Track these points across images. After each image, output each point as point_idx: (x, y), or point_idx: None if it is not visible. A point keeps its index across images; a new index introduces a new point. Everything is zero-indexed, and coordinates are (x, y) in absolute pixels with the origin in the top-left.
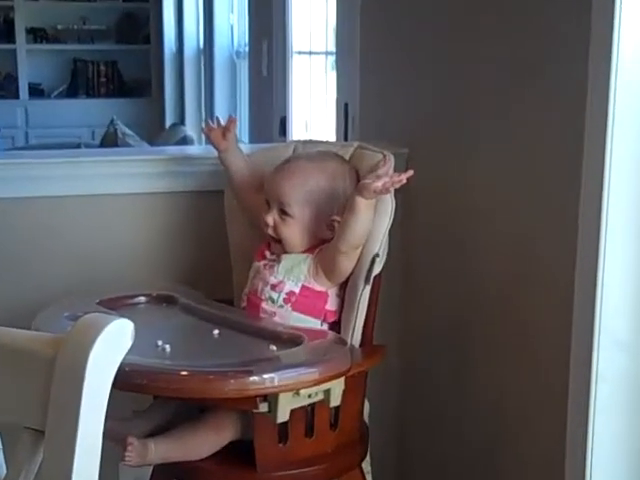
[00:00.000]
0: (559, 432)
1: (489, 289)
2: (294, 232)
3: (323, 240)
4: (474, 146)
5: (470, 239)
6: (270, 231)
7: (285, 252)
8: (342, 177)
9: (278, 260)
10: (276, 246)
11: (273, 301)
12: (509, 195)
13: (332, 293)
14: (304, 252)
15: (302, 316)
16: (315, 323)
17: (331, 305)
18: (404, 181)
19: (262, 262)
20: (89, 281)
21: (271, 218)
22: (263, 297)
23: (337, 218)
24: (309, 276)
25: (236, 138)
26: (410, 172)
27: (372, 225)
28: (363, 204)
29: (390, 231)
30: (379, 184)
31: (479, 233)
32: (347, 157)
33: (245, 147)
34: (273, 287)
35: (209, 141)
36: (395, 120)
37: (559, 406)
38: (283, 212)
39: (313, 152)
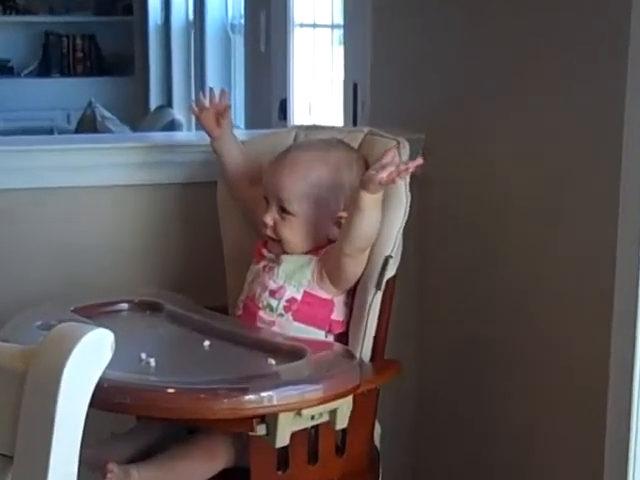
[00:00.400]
0: (597, 450)
1: (514, 294)
2: (296, 232)
3: (330, 240)
4: (499, 132)
5: (495, 237)
6: (269, 232)
7: (285, 252)
8: (348, 167)
9: (278, 262)
10: (274, 245)
11: (272, 309)
12: (538, 187)
13: (339, 301)
14: (308, 253)
15: (304, 326)
16: (319, 334)
17: (337, 314)
18: (411, 170)
19: (261, 264)
20: (63, 286)
21: (270, 217)
22: (261, 304)
23: (344, 214)
24: (313, 281)
25: (231, 124)
26: (419, 160)
27: (381, 223)
28: (368, 199)
29: (405, 228)
30: (384, 175)
31: (505, 230)
32: (356, 145)
33: (240, 133)
34: (272, 293)
35: (200, 125)
36: (410, 102)
37: (596, 426)
38: (283, 210)
39: (315, 140)
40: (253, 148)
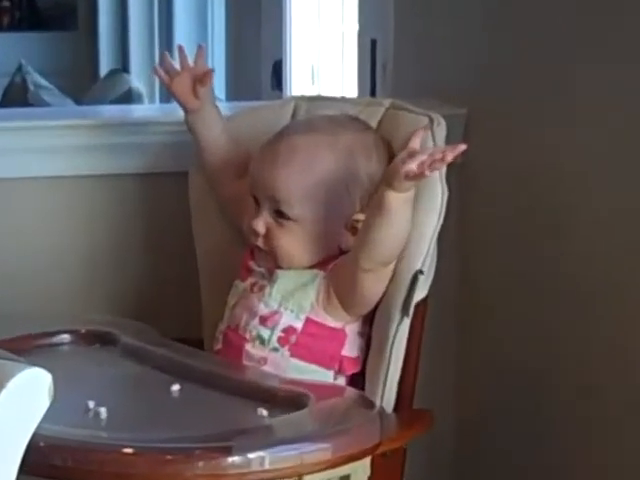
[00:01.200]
0: None
1: (584, 316)
2: (297, 242)
3: (342, 250)
4: (565, 108)
5: (558, 245)
6: (260, 242)
7: (278, 267)
8: (365, 154)
9: (271, 278)
10: (266, 258)
11: (263, 341)
12: (617, 181)
13: (352, 331)
14: (311, 268)
15: (306, 364)
16: (326, 375)
17: (350, 349)
18: (449, 159)
19: (248, 281)
20: None
21: (262, 224)
22: (248, 335)
23: (361, 217)
24: (317, 304)
25: (212, 94)
26: (462, 146)
27: (411, 228)
28: (394, 199)
29: (440, 235)
30: (413, 165)
31: (571, 236)
32: (374, 122)
33: (222, 106)
34: (263, 320)
35: (171, 94)
36: (447, 66)
37: None
38: (279, 214)
39: (319, 117)
40: (237, 127)
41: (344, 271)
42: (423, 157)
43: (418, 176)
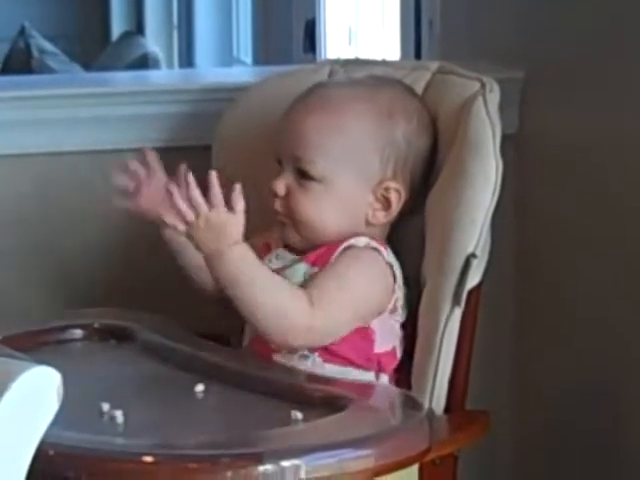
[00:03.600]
0: None
1: None
2: (318, 207)
3: (369, 222)
4: (635, 70)
5: (632, 222)
6: (278, 206)
7: (301, 248)
8: (406, 115)
9: (293, 271)
10: (287, 233)
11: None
12: None
13: (379, 324)
14: (317, 263)
15: (342, 368)
16: (365, 376)
17: (382, 343)
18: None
19: None
20: None
21: (282, 184)
22: (274, 344)
23: (393, 185)
24: None
25: None
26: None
27: (460, 205)
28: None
29: (495, 214)
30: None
31: None
32: (420, 88)
33: (248, 72)
34: None
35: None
36: (503, 24)
37: None
38: (302, 174)
39: (360, 75)
40: (264, 95)
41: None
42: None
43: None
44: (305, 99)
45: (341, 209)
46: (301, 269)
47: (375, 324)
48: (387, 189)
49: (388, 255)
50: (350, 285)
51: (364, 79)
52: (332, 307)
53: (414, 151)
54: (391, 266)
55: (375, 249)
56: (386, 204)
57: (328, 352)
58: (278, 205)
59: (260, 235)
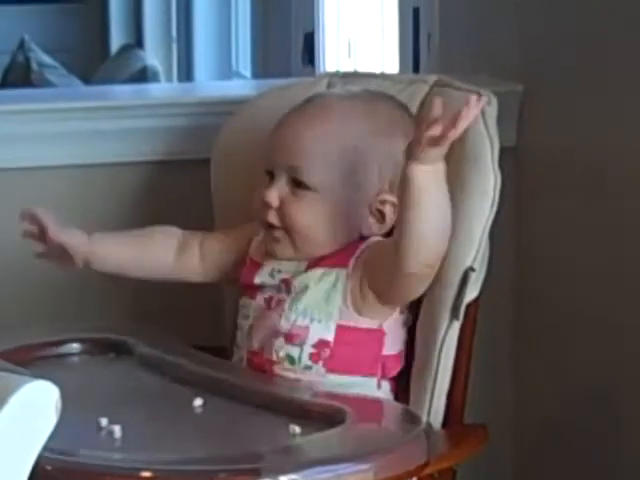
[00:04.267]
0: None
1: None
2: (313, 217)
3: (362, 236)
4: (635, 83)
5: (633, 235)
6: (272, 217)
7: (292, 252)
8: (404, 130)
9: (289, 290)
10: (278, 247)
11: (293, 361)
12: None
13: (390, 326)
14: (330, 264)
15: (345, 378)
16: (368, 384)
17: (392, 346)
18: (475, 112)
19: (260, 297)
20: None
21: (275, 194)
22: (275, 357)
23: (389, 197)
24: (347, 307)
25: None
26: (484, 98)
27: (457, 218)
28: (421, 174)
29: (493, 226)
30: (435, 130)
31: None
32: (417, 101)
33: (247, 85)
34: (289, 338)
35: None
36: (501, 37)
37: None
38: (297, 183)
39: (357, 89)
40: (263, 108)
41: (382, 271)
42: (445, 121)
43: (442, 139)
44: (302, 110)
45: (336, 220)
46: (316, 273)
47: (386, 326)
48: (383, 202)
49: None
50: None
51: (360, 93)
52: None
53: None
54: None
55: None
56: (380, 217)
57: (333, 360)
58: (272, 217)
59: (241, 228)
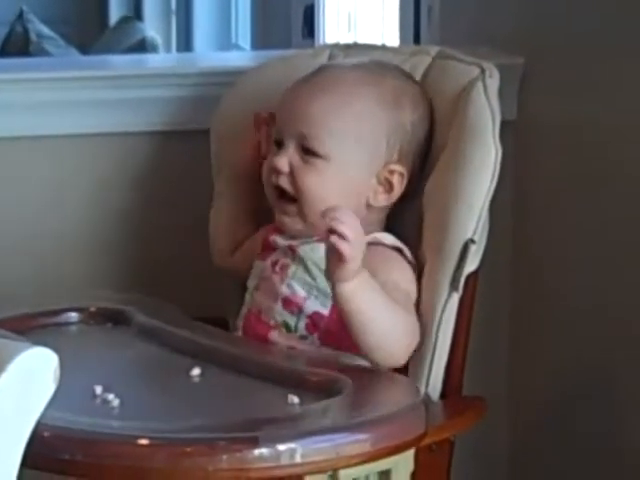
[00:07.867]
0: None
1: None
2: (323, 183)
3: (369, 205)
4: (637, 55)
5: (634, 208)
6: (283, 181)
7: (302, 225)
8: (412, 101)
9: (294, 257)
10: (287, 210)
11: (289, 328)
12: None
13: None
14: None
15: (340, 353)
16: (363, 359)
17: None
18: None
19: (269, 260)
20: None
21: (285, 160)
22: (272, 322)
23: (397, 168)
24: None
25: None
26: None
27: (459, 188)
28: (348, 292)
29: (493, 199)
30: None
31: None
32: (419, 73)
33: (248, 56)
34: (287, 304)
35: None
36: (503, 9)
37: None
38: (307, 151)
39: (362, 60)
40: (263, 80)
41: None
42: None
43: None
44: (312, 79)
45: (344, 188)
46: (321, 248)
47: None
48: (391, 172)
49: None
50: (408, 293)
51: (368, 64)
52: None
53: (417, 136)
54: (414, 266)
55: (399, 249)
56: (388, 187)
57: (327, 333)
58: (284, 181)
59: (253, 239)
